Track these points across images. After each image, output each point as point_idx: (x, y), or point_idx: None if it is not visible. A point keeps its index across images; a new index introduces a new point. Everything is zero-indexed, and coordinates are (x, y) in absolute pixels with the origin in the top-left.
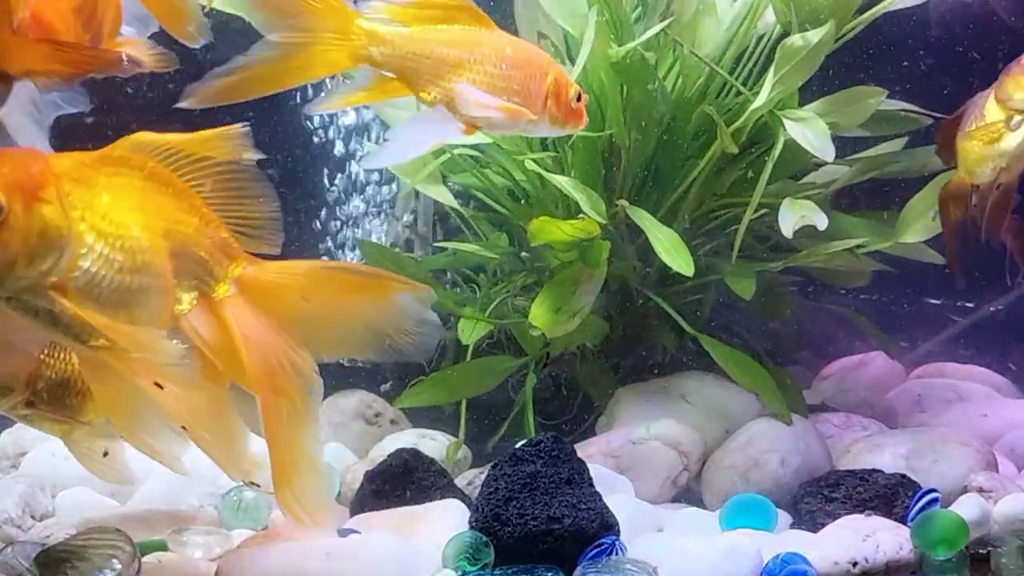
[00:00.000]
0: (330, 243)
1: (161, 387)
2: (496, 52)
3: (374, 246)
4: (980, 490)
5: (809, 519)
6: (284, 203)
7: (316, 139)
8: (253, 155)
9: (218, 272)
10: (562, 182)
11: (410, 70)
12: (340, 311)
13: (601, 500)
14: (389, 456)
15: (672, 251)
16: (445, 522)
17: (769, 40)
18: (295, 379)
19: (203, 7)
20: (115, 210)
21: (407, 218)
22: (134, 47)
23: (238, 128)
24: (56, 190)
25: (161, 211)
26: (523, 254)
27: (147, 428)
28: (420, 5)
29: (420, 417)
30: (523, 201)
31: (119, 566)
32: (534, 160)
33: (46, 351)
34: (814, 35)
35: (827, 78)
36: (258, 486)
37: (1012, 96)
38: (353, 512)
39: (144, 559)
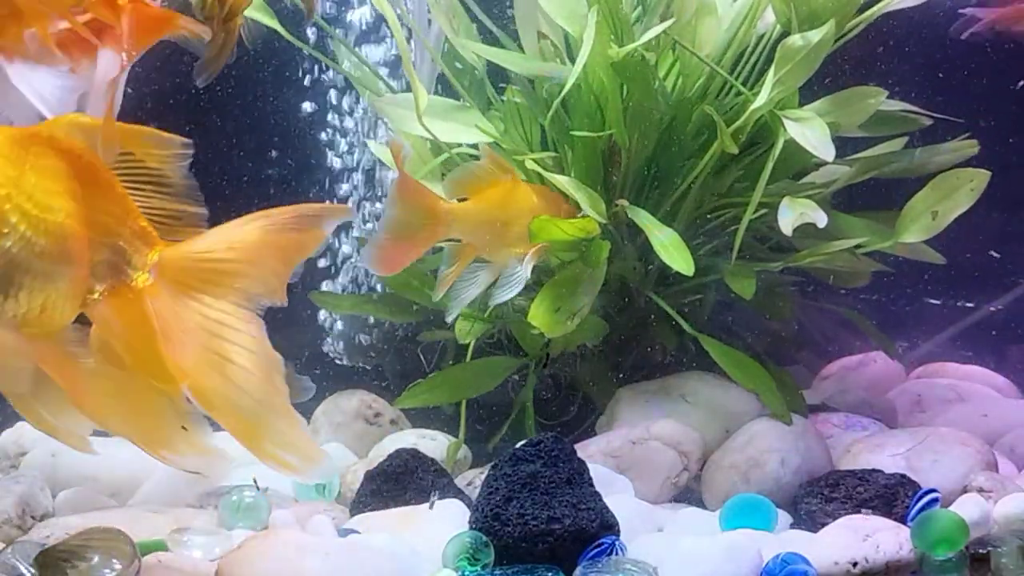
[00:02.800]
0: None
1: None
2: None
3: None
4: (980, 490)
5: (809, 519)
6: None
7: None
8: (183, 166)
9: (136, 261)
10: (562, 182)
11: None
12: (272, 263)
13: (601, 500)
14: (389, 456)
15: (672, 251)
16: (445, 522)
17: (769, 40)
18: (226, 361)
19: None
20: (40, 192)
21: None
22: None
23: (178, 140)
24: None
25: (83, 197)
26: None
27: (47, 405)
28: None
29: (420, 417)
30: None
31: (119, 566)
32: (534, 160)
33: None
34: (814, 35)
35: (834, 77)
36: (262, 489)
37: None
38: (353, 512)
39: (144, 559)
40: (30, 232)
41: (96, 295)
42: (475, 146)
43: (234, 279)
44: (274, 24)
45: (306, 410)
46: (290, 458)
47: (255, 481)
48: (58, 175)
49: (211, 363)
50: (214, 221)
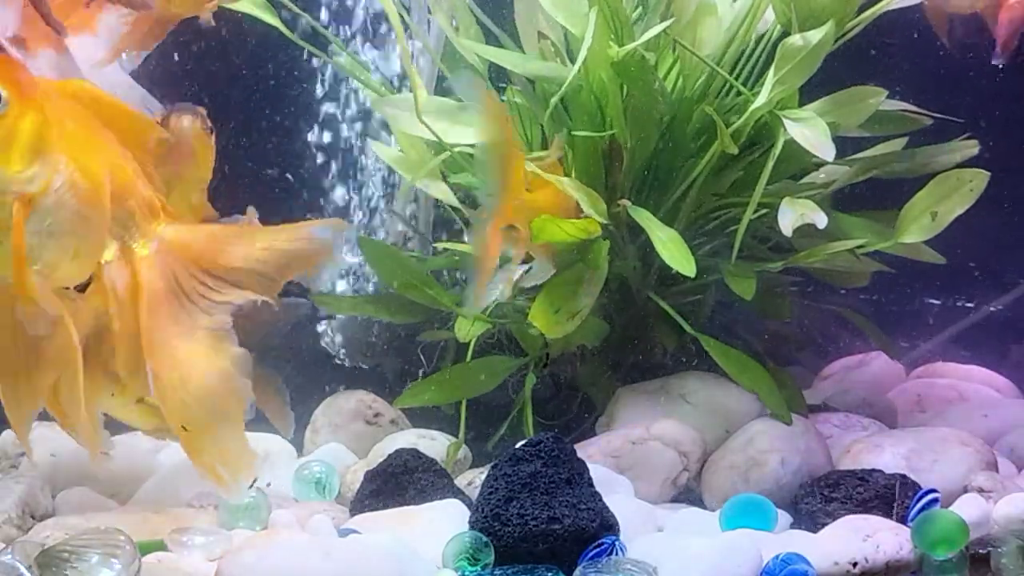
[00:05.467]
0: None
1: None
2: None
3: (374, 244)
4: (980, 490)
5: (809, 519)
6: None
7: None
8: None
9: (144, 227)
10: (563, 182)
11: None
12: (272, 267)
13: (601, 500)
14: (389, 456)
15: (674, 251)
16: (445, 522)
17: (769, 40)
18: (193, 356)
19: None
20: (79, 140)
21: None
22: None
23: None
24: (45, 104)
25: (107, 153)
26: None
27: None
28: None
29: (420, 417)
30: None
31: (119, 566)
32: (534, 160)
33: None
34: (814, 35)
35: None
36: (259, 488)
37: None
38: (353, 512)
39: (144, 559)
40: (76, 177)
41: (109, 255)
42: (475, 145)
43: (230, 270)
44: (275, 21)
45: (306, 410)
46: (221, 469)
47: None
48: (88, 127)
49: (178, 355)
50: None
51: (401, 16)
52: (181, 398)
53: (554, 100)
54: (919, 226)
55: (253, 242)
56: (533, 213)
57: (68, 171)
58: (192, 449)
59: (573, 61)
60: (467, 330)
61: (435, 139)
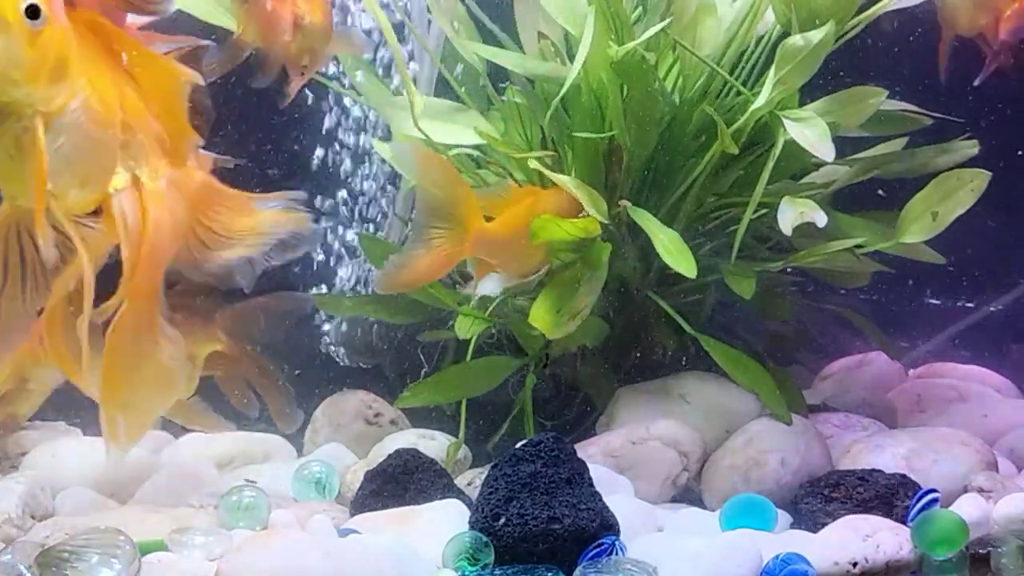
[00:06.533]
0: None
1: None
2: None
3: (374, 241)
4: (980, 490)
5: (809, 519)
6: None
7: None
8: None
9: (154, 162)
10: (564, 181)
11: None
12: (252, 224)
13: (601, 500)
14: (389, 456)
15: (674, 252)
16: (445, 522)
17: (769, 40)
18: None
19: None
20: (94, 65)
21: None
22: None
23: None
24: (70, 25)
25: (118, 83)
26: None
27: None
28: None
29: (420, 417)
30: None
31: (119, 566)
32: (534, 160)
33: None
34: (814, 35)
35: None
36: (254, 482)
37: None
38: (353, 512)
39: (144, 559)
40: (93, 100)
41: (120, 184)
42: (476, 146)
43: (226, 227)
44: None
45: (306, 410)
46: (119, 423)
47: (247, 480)
48: (105, 54)
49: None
50: None
51: (402, 18)
52: (130, 341)
53: (555, 102)
54: (919, 226)
55: (250, 207)
56: (495, 243)
57: (84, 94)
58: (110, 390)
59: (573, 61)
60: (467, 327)
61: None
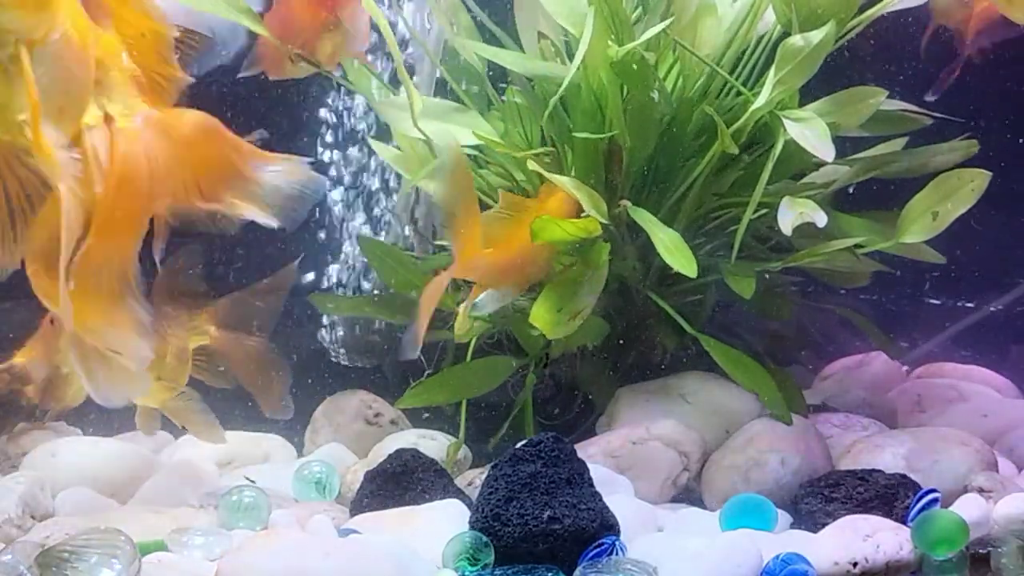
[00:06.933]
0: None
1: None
2: None
3: (374, 242)
4: (980, 490)
5: (809, 519)
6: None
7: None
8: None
9: (129, 101)
10: (563, 181)
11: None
12: (224, 169)
13: (601, 500)
14: (389, 456)
15: (675, 251)
16: (445, 522)
17: (769, 40)
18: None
19: None
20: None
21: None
22: None
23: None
24: None
25: (99, 17)
26: None
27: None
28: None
29: (420, 417)
30: None
31: (119, 566)
32: (535, 160)
33: None
34: (815, 35)
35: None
36: (254, 482)
37: None
38: (353, 512)
39: (144, 559)
40: (73, 33)
41: (92, 120)
42: (476, 146)
43: (203, 159)
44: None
45: (306, 410)
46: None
47: (247, 478)
48: None
49: (121, 239)
50: None
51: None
52: (97, 276)
53: (553, 100)
54: (920, 226)
55: (240, 155)
56: (489, 270)
57: (64, 26)
58: (80, 326)
59: (573, 61)
60: (466, 329)
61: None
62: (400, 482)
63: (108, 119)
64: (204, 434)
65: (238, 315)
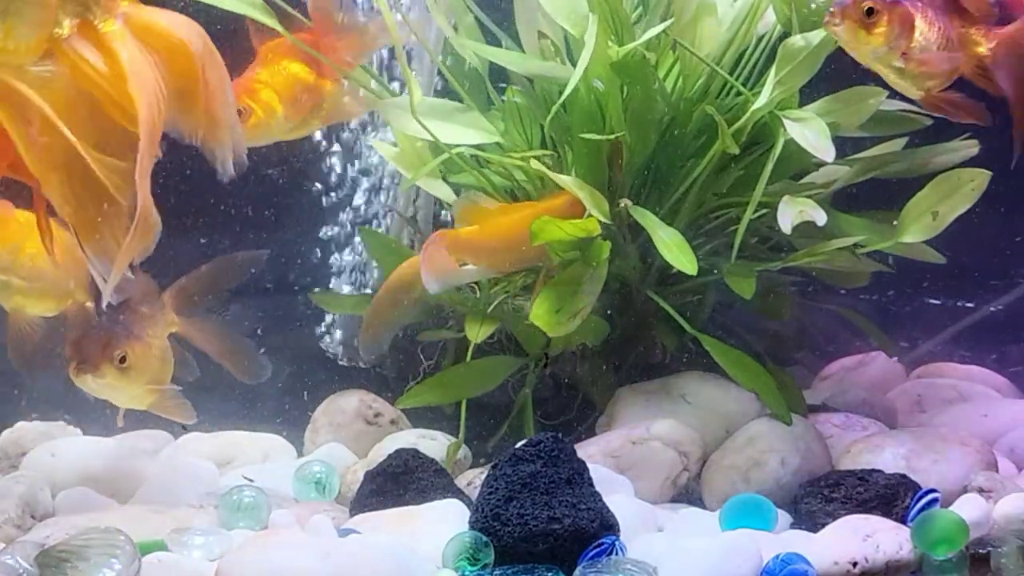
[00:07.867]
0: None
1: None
2: None
3: (376, 235)
4: (980, 490)
5: (809, 519)
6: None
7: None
8: None
9: (105, 3)
10: (565, 181)
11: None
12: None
13: (601, 500)
14: (389, 456)
15: (675, 249)
16: (445, 522)
17: (770, 40)
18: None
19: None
20: None
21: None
22: None
23: None
24: None
25: None
26: None
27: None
28: None
29: (420, 417)
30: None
31: (119, 566)
32: (535, 159)
33: None
34: (815, 36)
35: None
36: (253, 481)
37: None
38: (353, 512)
39: (144, 559)
40: None
41: (64, 31)
42: (476, 146)
43: (184, 57)
44: (273, 23)
45: (306, 410)
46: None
47: (247, 478)
48: None
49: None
50: None
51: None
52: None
53: (555, 108)
54: (920, 226)
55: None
56: (467, 246)
57: None
58: (85, 231)
59: (573, 61)
60: (476, 331)
61: (432, 139)
62: (400, 482)
63: (86, 26)
64: (175, 413)
65: (191, 298)
